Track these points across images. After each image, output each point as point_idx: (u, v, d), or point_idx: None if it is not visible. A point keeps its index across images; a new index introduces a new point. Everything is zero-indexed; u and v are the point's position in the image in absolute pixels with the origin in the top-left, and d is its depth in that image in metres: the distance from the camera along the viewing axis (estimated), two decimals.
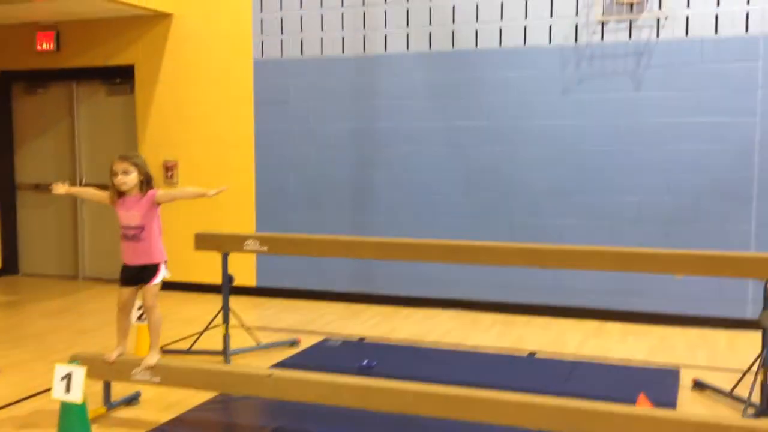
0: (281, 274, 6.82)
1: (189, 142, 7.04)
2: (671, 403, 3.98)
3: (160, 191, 3.73)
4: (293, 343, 5.26)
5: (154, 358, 3.71)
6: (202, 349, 4.99)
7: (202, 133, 7.01)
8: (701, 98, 5.66)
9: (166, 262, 3.81)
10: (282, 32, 6.71)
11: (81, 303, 6.87)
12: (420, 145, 6.38)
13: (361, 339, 5.42)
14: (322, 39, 6.59)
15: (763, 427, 2.81)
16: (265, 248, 4.67)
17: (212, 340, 5.11)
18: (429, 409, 3.24)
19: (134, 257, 3.74)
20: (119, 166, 3.64)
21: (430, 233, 6.04)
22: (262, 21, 6.77)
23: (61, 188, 3.81)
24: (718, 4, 5.59)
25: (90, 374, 3.49)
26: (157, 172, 6.70)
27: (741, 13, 5.55)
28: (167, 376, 3.65)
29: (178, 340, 5.32)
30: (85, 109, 7.77)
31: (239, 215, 6.83)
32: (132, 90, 7.32)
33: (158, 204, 3.70)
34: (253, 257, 6.82)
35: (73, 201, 7.73)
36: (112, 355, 3.77)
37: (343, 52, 6.54)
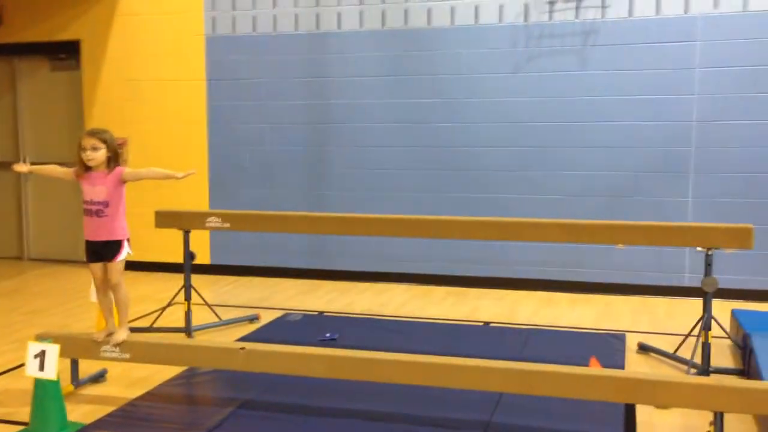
0: (235, 252, 6.85)
1: (139, 120, 6.93)
2: (620, 365, 4.21)
3: (127, 169, 3.73)
4: (253, 319, 5.32)
5: (122, 335, 3.73)
6: (164, 327, 5.02)
7: (153, 110, 6.92)
8: (643, 76, 5.90)
9: (128, 239, 3.81)
10: (233, 8, 6.66)
11: (29, 284, 6.75)
12: (373, 121, 6.46)
13: (321, 313, 5.52)
14: (274, 15, 6.58)
15: (710, 383, 3.05)
16: (227, 225, 4.70)
17: (171, 318, 5.13)
18: (397, 377, 3.37)
19: (96, 233, 3.71)
20: (88, 142, 3.61)
21: (381, 209, 6.18)
22: None
23: (22, 167, 3.77)
24: None
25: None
26: None
27: None
28: (137, 353, 3.68)
29: (135, 319, 5.32)
30: (28, 86, 7.56)
31: (192, 193, 6.77)
32: (78, 66, 7.15)
33: (124, 182, 3.70)
34: (207, 235, 6.82)
35: (17, 179, 7.54)
36: (101, 335, 3.76)
37: (296, 28, 6.55)
